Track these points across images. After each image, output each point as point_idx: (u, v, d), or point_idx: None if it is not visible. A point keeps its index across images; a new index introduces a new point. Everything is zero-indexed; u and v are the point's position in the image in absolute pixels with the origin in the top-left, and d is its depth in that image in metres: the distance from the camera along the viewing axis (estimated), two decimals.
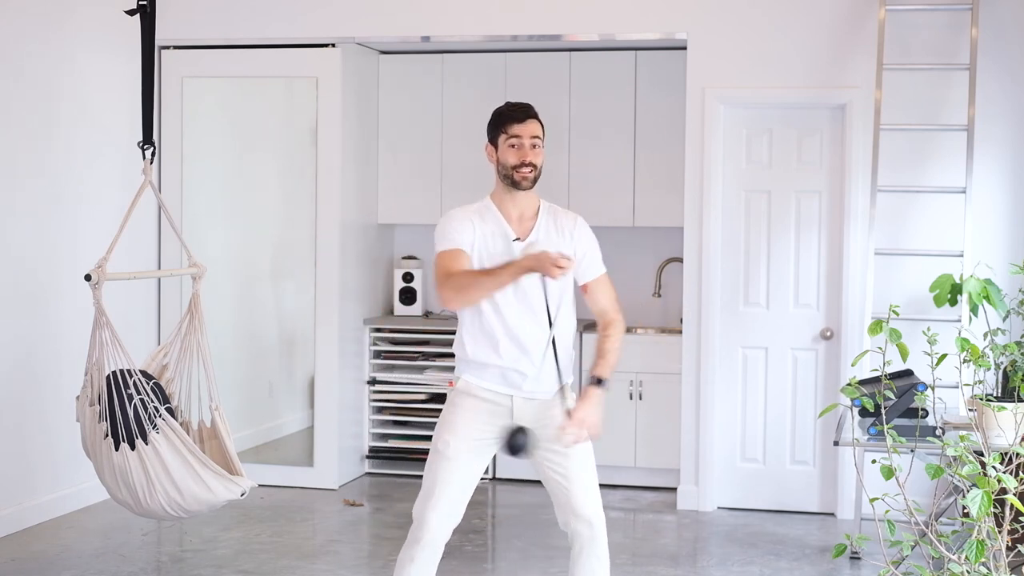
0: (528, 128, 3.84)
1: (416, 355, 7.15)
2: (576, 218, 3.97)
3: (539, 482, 6.88)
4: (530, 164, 3.82)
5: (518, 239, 3.85)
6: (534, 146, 3.84)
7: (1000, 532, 3.05)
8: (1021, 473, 3.26)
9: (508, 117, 3.87)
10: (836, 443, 5.26)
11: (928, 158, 6.22)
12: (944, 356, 3.61)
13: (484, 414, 3.85)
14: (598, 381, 3.81)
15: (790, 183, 6.44)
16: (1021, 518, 3.54)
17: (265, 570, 5.30)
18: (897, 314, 3.68)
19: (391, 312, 7.50)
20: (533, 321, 3.82)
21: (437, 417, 4.00)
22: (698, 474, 6.48)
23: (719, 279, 6.48)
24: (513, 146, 3.84)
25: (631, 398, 6.84)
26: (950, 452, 3.04)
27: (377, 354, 7.23)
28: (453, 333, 4.11)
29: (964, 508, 2.93)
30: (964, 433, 3.24)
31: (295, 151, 7.29)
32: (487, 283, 3.71)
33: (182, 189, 6.91)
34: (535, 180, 3.86)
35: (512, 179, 3.84)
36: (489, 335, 3.82)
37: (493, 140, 3.90)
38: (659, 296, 7.30)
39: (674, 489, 6.67)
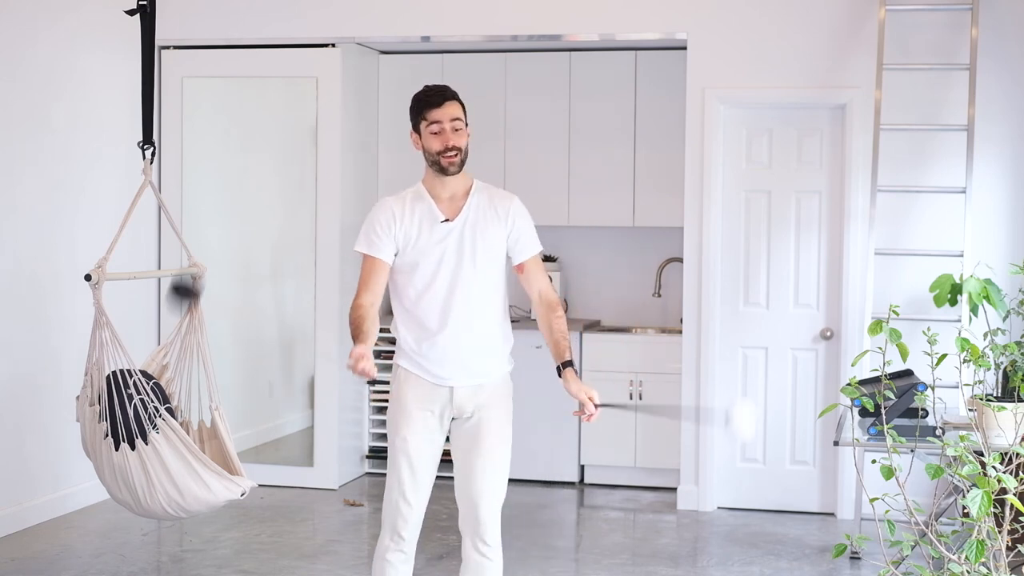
0: (447, 111, 3.80)
1: None
2: (512, 198, 3.94)
3: (538, 482, 6.92)
4: (454, 148, 3.79)
5: (447, 220, 3.83)
6: (456, 129, 3.80)
7: (1000, 532, 3.05)
8: (1021, 473, 3.26)
9: (425, 103, 3.83)
10: (836, 443, 5.25)
11: (928, 158, 6.22)
12: (944, 356, 3.62)
13: (428, 402, 3.85)
14: (569, 363, 3.82)
15: (790, 183, 6.44)
16: (1021, 518, 3.54)
17: (265, 570, 5.30)
18: (897, 314, 3.68)
19: (391, 312, 7.48)
20: (460, 310, 3.82)
21: None
22: (698, 474, 6.48)
23: (719, 279, 6.48)
24: (435, 132, 3.80)
25: (631, 398, 6.84)
26: (950, 452, 3.04)
27: (377, 354, 7.23)
28: None
29: (964, 508, 2.93)
30: (964, 433, 3.24)
31: (295, 151, 7.29)
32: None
33: (182, 189, 6.91)
34: (462, 163, 3.83)
35: (439, 165, 3.81)
36: (420, 324, 3.84)
37: (415, 127, 3.86)
38: (659, 296, 7.30)
39: (674, 489, 6.67)
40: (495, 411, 3.88)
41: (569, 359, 3.83)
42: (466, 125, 3.85)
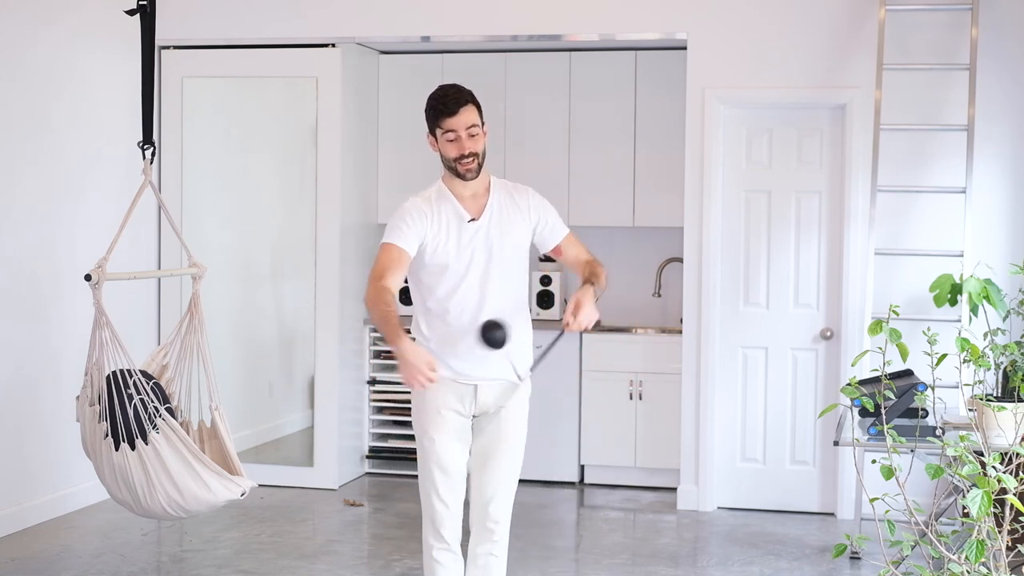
0: (462, 119, 3.79)
1: None
2: (527, 190, 3.99)
3: (538, 482, 6.92)
4: (471, 154, 3.81)
5: (473, 219, 3.85)
6: (472, 135, 3.81)
7: (1000, 532, 3.05)
8: (1021, 473, 3.26)
9: (440, 112, 3.82)
10: (836, 443, 5.25)
11: (928, 158, 6.22)
12: (944, 356, 3.61)
13: (454, 400, 3.86)
14: (590, 283, 3.84)
15: (790, 183, 6.44)
16: (1021, 518, 3.54)
17: (265, 570, 5.30)
18: (897, 314, 3.68)
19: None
20: (491, 308, 3.83)
21: None
22: (698, 474, 6.48)
23: (719, 279, 6.48)
24: (451, 140, 3.82)
25: (631, 398, 6.84)
26: (950, 452, 3.04)
27: (377, 354, 7.23)
28: None
29: (964, 508, 2.93)
30: (964, 433, 3.24)
31: (295, 151, 7.29)
32: (381, 328, 3.69)
33: (182, 189, 6.91)
34: (479, 168, 3.85)
35: (456, 171, 3.84)
36: (447, 323, 3.84)
37: (432, 131, 3.88)
38: (659, 296, 7.30)
39: (674, 489, 6.67)
40: (514, 411, 3.91)
41: (593, 283, 3.85)
42: (483, 125, 3.86)
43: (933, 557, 3.19)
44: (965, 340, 4.50)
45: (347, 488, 6.90)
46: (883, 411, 3.49)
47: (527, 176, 7.10)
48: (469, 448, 3.93)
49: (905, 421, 5.31)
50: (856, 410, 5.50)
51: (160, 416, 4.63)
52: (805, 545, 5.82)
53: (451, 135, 3.81)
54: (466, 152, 3.81)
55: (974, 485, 2.89)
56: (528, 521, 6.14)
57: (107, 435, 4.64)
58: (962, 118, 6.03)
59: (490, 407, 3.89)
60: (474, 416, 3.91)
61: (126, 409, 4.61)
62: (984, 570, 3.00)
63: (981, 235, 6.10)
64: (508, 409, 3.90)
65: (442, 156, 3.87)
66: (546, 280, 7.20)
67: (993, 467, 2.93)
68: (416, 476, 3.97)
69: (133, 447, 4.59)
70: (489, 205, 3.88)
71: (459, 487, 3.89)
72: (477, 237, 3.84)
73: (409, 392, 3.93)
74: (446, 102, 3.82)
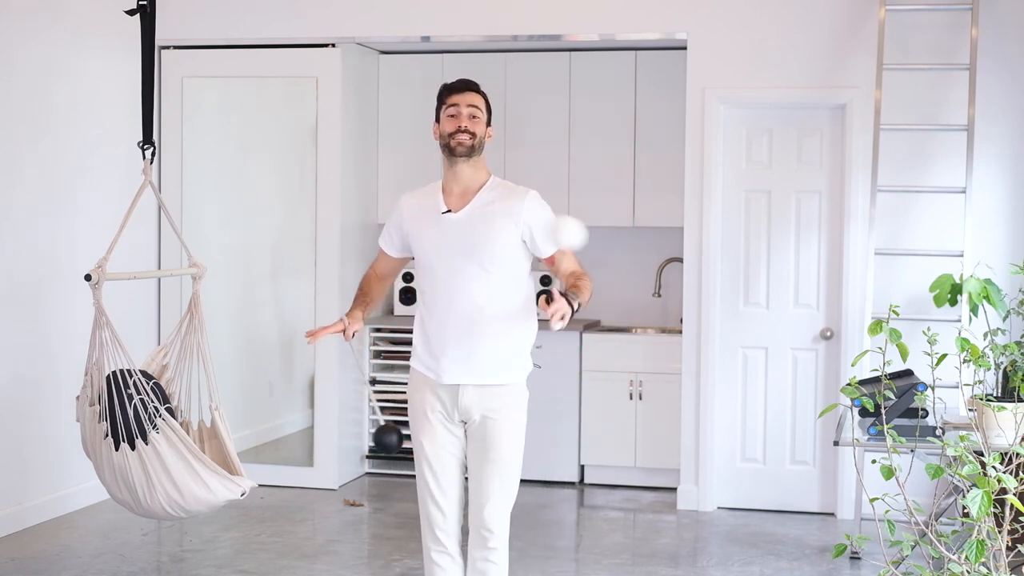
0: (466, 98, 3.85)
1: None
2: (526, 194, 3.85)
3: (538, 482, 6.92)
4: (466, 130, 3.80)
5: (449, 211, 3.82)
6: (472, 116, 3.83)
7: (1000, 532, 3.05)
8: (1021, 473, 3.26)
9: (447, 89, 3.90)
10: (836, 443, 5.25)
11: (928, 158, 6.22)
12: (944, 356, 3.61)
13: (439, 404, 3.86)
14: (566, 296, 3.65)
15: (790, 183, 6.44)
16: (1021, 518, 3.54)
17: (265, 570, 5.30)
18: (897, 314, 3.68)
19: (391, 312, 7.50)
20: (463, 307, 3.80)
21: None
22: (698, 474, 6.48)
23: (719, 279, 6.48)
24: (451, 115, 3.84)
25: (631, 398, 6.84)
26: (950, 452, 3.04)
27: (377, 354, 7.23)
28: None
29: (964, 508, 2.93)
30: (964, 433, 3.24)
31: (295, 151, 7.29)
32: None
33: (182, 189, 6.91)
34: (472, 149, 3.81)
35: (449, 146, 3.82)
36: (430, 319, 3.85)
37: (437, 117, 3.91)
38: (659, 296, 7.30)
39: (674, 489, 6.67)
40: (504, 420, 3.84)
41: (570, 296, 3.67)
42: (488, 122, 3.88)
43: (933, 557, 3.19)
44: (965, 340, 4.50)
45: (347, 488, 6.90)
46: (883, 411, 3.49)
47: (527, 176, 7.11)
48: (464, 451, 3.91)
49: (905, 421, 5.31)
50: (856, 410, 5.50)
51: (160, 416, 4.62)
52: (805, 545, 5.82)
53: (453, 110, 3.84)
54: (462, 126, 3.80)
55: (974, 485, 2.89)
56: (528, 521, 6.14)
57: (107, 435, 4.64)
58: (962, 118, 6.03)
59: (473, 412, 3.82)
60: (463, 422, 3.88)
61: (126, 409, 4.61)
62: (984, 570, 3.00)
63: (981, 235, 6.10)
64: (496, 421, 3.82)
65: (440, 137, 3.86)
66: (546, 280, 7.20)
67: (993, 467, 2.94)
68: (415, 476, 3.97)
69: (133, 447, 4.59)
70: (473, 202, 3.82)
71: (451, 491, 3.87)
72: (452, 231, 3.79)
73: (407, 392, 3.95)
74: (456, 83, 3.91)
